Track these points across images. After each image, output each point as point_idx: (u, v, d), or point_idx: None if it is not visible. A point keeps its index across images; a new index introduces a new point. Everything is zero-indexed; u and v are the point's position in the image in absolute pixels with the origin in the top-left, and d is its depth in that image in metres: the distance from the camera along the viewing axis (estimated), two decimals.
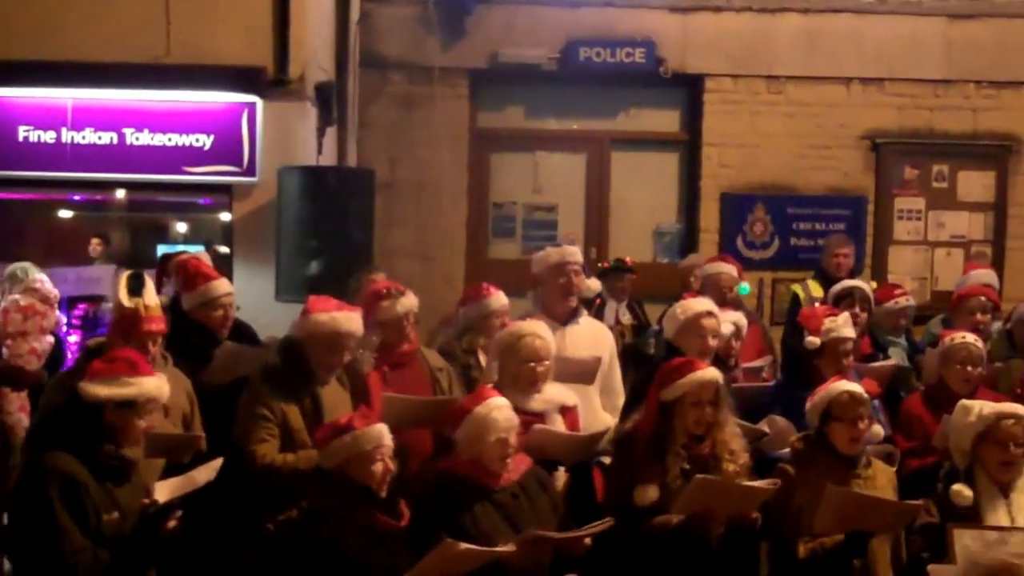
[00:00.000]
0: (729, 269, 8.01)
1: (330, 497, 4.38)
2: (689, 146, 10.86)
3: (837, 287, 7.42)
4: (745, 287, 8.38)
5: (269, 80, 8.76)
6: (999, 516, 4.63)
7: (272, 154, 8.84)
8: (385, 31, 10.46)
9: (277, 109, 8.86)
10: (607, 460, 5.52)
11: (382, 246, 9.58)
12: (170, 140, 8.88)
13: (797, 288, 8.72)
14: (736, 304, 7.84)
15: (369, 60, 10.31)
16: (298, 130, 9.04)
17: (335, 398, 5.26)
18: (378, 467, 4.40)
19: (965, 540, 4.45)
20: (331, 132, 9.40)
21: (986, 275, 8.03)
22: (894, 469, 5.45)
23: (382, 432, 4.45)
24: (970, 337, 6.08)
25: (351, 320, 5.27)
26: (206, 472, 4.55)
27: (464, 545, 4.16)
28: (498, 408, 4.70)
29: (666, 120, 11.00)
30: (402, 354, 5.69)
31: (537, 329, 5.47)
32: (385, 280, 6.27)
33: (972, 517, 4.67)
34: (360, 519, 4.32)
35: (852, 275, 8.43)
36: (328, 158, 9.32)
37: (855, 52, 10.53)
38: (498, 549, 4.32)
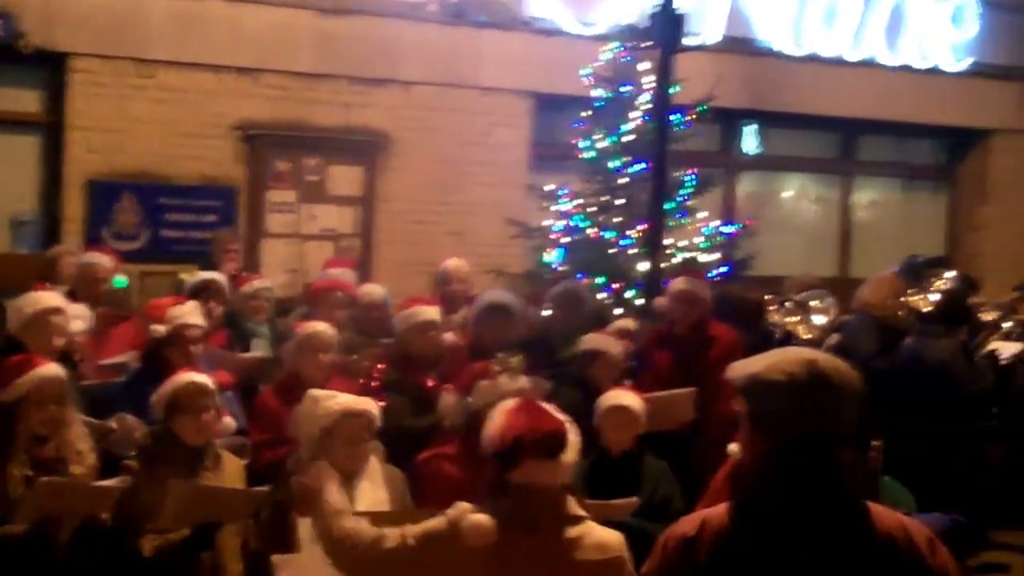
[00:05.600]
0: (104, 260, 7.71)
1: None
2: (51, 129, 10.13)
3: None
4: (121, 280, 8.01)
5: None
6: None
7: None
8: None
9: None
10: None
11: None
12: None
13: (186, 277, 8.46)
14: (110, 297, 7.49)
15: None
16: None
17: None
18: None
19: (309, 527, 4.41)
20: None
21: (342, 273, 8.26)
22: (245, 461, 5.40)
23: None
24: (320, 326, 6.19)
25: None
26: None
27: None
28: None
29: (26, 100, 10.20)
30: None
31: None
32: None
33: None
34: None
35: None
36: None
37: (229, 40, 10.35)
38: None
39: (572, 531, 3.59)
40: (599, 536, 3.64)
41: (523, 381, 5.42)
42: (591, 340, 6.80)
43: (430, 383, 6.06)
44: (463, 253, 9.24)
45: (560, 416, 3.71)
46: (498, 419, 3.68)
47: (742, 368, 2.86)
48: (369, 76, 10.89)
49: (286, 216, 10.60)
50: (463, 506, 3.60)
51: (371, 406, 4.89)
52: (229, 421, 5.63)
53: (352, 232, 10.83)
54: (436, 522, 3.65)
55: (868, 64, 12.85)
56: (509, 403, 3.76)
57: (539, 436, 3.56)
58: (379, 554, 3.70)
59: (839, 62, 12.71)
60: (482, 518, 3.54)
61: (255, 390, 6.55)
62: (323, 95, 10.75)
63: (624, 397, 5.89)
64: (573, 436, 3.67)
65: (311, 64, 10.68)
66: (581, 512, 3.64)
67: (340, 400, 4.81)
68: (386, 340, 7.01)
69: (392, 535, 3.71)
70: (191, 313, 6.03)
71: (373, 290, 7.92)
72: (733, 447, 5.23)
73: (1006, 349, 8.44)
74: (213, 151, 10.36)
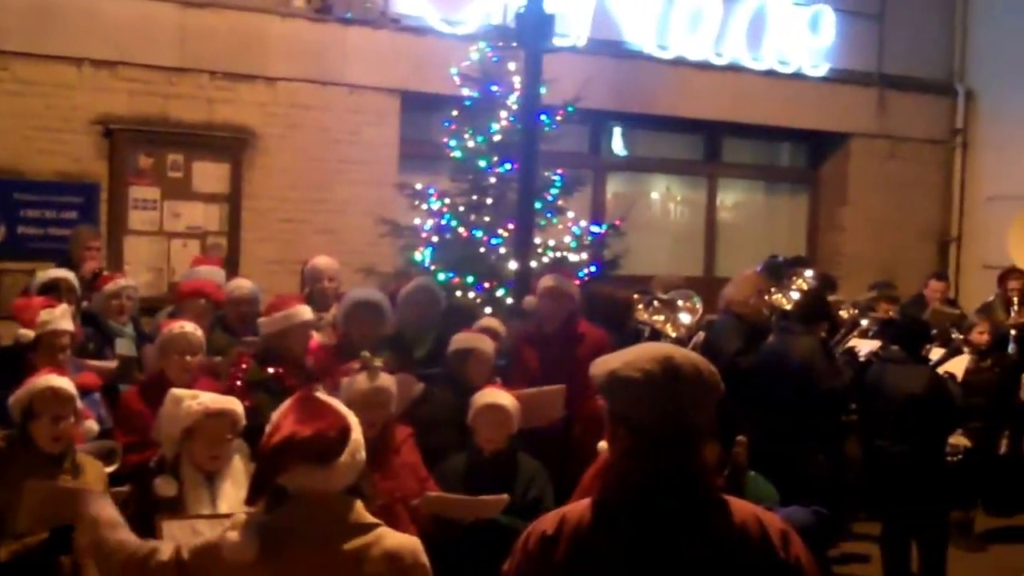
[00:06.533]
0: None
1: None
2: None
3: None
4: None
5: None
6: (203, 505, 4.55)
7: None
8: None
9: None
10: None
11: None
12: None
13: (41, 275, 8.19)
14: None
15: None
16: None
17: None
18: None
19: (174, 531, 4.31)
20: None
21: (212, 271, 8.13)
22: (114, 467, 5.25)
23: None
24: (188, 327, 6.09)
25: None
26: None
27: None
28: None
29: None
30: None
31: None
32: None
33: (177, 507, 4.57)
34: None
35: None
36: None
37: (87, 32, 10.02)
38: None
39: (356, 541, 3.25)
40: (390, 544, 3.29)
41: (384, 379, 5.36)
42: (462, 339, 6.75)
43: (294, 382, 5.98)
44: (333, 251, 9.18)
45: (341, 414, 3.36)
46: (272, 420, 3.37)
47: (602, 365, 2.83)
48: (233, 71, 10.65)
49: (149, 213, 10.31)
50: (238, 517, 3.30)
51: (235, 405, 4.80)
52: (91, 424, 5.47)
53: (218, 230, 10.58)
54: (214, 535, 3.35)
55: (732, 68, 13.08)
56: (286, 403, 3.42)
57: (304, 439, 3.22)
58: (150, 568, 3.37)
59: (704, 66, 12.91)
60: (234, 534, 3.21)
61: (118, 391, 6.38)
62: (185, 90, 10.49)
63: (498, 396, 5.87)
64: (355, 435, 3.32)
65: (173, 58, 10.40)
66: (369, 519, 3.32)
67: (202, 400, 4.71)
68: (251, 339, 6.89)
69: (167, 549, 3.42)
70: (62, 318, 5.83)
71: (242, 284, 7.87)
72: (602, 444, 5.30)
73: (864, 346, 8.67)
74: (72, 146, 10.04)
